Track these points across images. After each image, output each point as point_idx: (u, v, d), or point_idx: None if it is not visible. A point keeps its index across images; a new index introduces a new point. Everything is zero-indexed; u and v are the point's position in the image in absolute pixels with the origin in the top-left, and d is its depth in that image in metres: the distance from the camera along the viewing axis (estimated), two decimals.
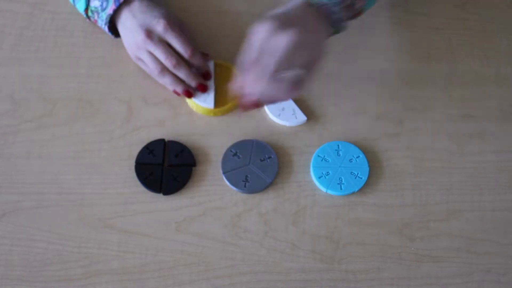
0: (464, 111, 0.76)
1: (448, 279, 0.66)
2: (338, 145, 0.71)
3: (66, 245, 0.67)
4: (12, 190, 0.69)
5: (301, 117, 0.73)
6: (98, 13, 0.72)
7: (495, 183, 0.72)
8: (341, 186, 0.69)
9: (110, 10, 0.71)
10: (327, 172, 0.70)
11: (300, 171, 0.71)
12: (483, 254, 0.68)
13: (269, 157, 0.71)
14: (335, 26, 0.65)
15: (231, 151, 0.71)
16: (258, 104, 0.63)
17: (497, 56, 0.79)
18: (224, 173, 0.70)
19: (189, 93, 0.72)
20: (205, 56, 0.75)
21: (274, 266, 0.66)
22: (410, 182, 0.71)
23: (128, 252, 0.66)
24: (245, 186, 0.69)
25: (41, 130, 0.72)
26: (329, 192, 0.69)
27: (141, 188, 0.69)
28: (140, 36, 0.69)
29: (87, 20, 0.76)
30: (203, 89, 0.72)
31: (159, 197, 0.69)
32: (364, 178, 0.70)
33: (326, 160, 0.71)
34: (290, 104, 0.74)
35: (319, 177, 0.70)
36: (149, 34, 0.69)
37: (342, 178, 0.70)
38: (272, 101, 0.64)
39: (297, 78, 0.59)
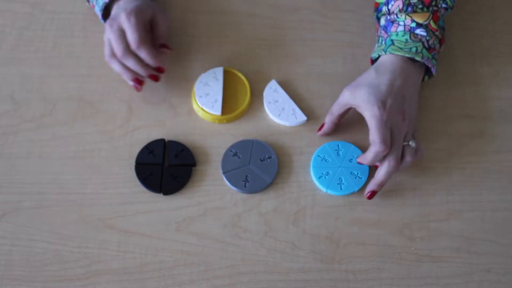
0: (464, 111, 0.76)
1: (448, 279, 0.66)
2: (338, 145, 0.71)
3: (66, 245, 0.67)
4: (12, 190, 0.69)
5: (301, 117, 0.73)
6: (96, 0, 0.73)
7: (495, 183, 0.72)
8: (341, 186, 0.69)
9: None
10: (327, 172, 0.70)
11: (300, 171, 0.71)
12: (483, 254, 0.68)
13: (269, 157, 0.71)
14: (428, 74, 0.72)
15: (231, 151, 0.71)
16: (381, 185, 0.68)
17: (497, 56, 0.79)
18: (224, 173, 0.70)
19: (139, 81, 0.71)
20: (165, 47, 0.73)
21: (274, 266, 0.66)
22: (410, 182, 0.71)
23: (128, 252, 0.66)
24: (245, 186, 0.69)
25: (41, 130, 0.72)
26: (329, 192, 0.69)
27: (141, 188, 0.69)
28: (107, 23, 0.69)
29: (87, 3, 0.76)
30: (154, 78, 0.71)
31: (159, 197, 0.69)
32: (364, 178, 0.70)
33: (326, 160, 0.71)
34: (290, 104, 0.74)
35: (319, 177, 0.70)
36: (111, 22, 0.69)
37: (342, 178, 0.70)
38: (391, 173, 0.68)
39: (415, 148, 0.68)
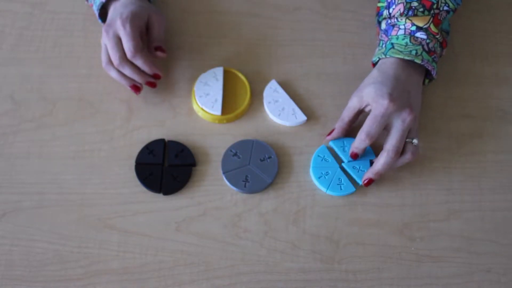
0: (464, 111, 0.76)
1: (448, 279, 0.66)
2: (344, 142, 0.71)
3: (66, 245, 0.67)
4: (12, 190, 0.69)
5: (301, 117, 0.73)
6: None
7: (495, 183, 0.72)
8: (340, 186, 0.69)
9: None
10: (327, 172, 0.70)
11: (300, 171, 0.71)
12: (483, 254, 0.68)
13: (269, 157, 0.71)
14: (428, 77, 0.72)
15: (231, 151, 0.71)
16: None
17: (497, 56, 0.79)
18: (224, 173, 0.70)
19: (137, 88, 0.71)
20: (160, 50, 0.73)
21: (274, 266, 0.66)
22: (410, 182, 0.71)
23: (128, 252, 0.66)
24: (245, 186, 0.69)
25: (41, 130, 0.72)
26: (329, 192, 0.69)
27: (141, 188, 0.69)
28: (103, 29, 0.69)
29: (86, 2, 0.76)
30: (151, 85, 0.72)
31: (159, 197, 0.69)
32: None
33: (326, 160, 0.71)
34: (290, 104, 0.74)
35: (319, 177, 0.70)
36: (107, 28, 0.69)
37: (342, 178, 0.70)
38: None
39: (416, 150, 0.68)
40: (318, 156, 0.71)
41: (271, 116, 0.74)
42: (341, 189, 0.69)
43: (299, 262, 0.67)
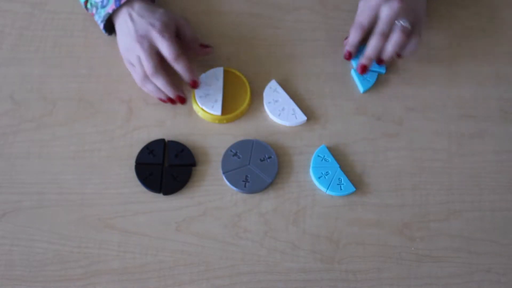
0: (464, 111, 0.76)
1: (448, 279, 0.66)
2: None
3: (66, 245, 0.67)
4: (12, 190, 0.69)
5: (301, 117, 0.73)
6: (97, 8, 0.72)
7: (495, 183, 0.72)
8: (340, 186, 0.69)
9: (109, 9, 0.71)
10: (327, 172, 0.70)
11: (300, 171, 0.71)
12: (483, 254, 0.68)
13: (269, 157, 0.71)
14: None
15: (231, 151, 0.71)
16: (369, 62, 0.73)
17: (497, 56, 0.79)
18: (224, 173, 0.70)
19: (172, 101, 0.72)
20: (206, 48, 0.75)
21: (274, 266, 0.66)
22: (410, 182, 0.71)
23: (128, 252, 0.66)
24: (245, 186, 0.69)
25: (41, 130, 0.72)
26: (329, 192, 0.69)
27: (141, 188, 0.69)
28: (133, 42, 0.69)
29: (86, 10, 0.76)
30: (181, 100, 0.72)
31: (159, 197, 0.69)
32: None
33: (326, 160, 0.71)
34: (290, 104, 0.74)
35: (319, 177, 0.70)
36: (141, 40, 0.68)
37: (342, 178, 0.70)
38: (385, 52, 0.72)
39: (406, 30, 0.70)
40: (318, 156, 0.71)
41: (271, 116, 0.74)
42: (341, 189, 0.69)
43: (299, 262, 0.67)
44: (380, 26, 0.71)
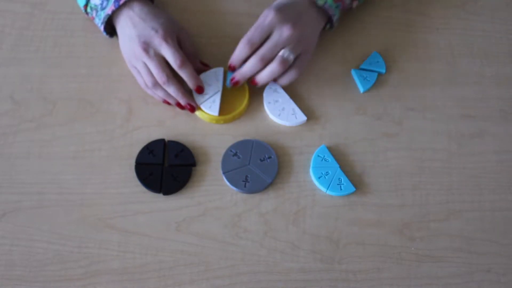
0: (464, 111, 0.76)
1: (448, 279, 0.66)
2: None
3: (66, 245, 0.67)
4: (12, 190, 0.69)
5: (301, 117, 0.73)
6: (97, 11, 0.72)
7: (495, 183, 0.72)
8: (340, 186, 0.69)
9: (109, 10, 0.70)
10: (327, 172, 0.70)
11: (300, 171, 0.71)
12: (483, 254, 0.68)
13: (269, 157, 0.71)
14: (329, 24, 0.74)
15: (231, 151, 0.71)
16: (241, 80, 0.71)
17: (497, 56, 0.79)
18: (224, 173, 0.70)
19: (181, 106, 0.72)
20: (205, 66, 0.75)
21: (274, 266, 0.66)
22: (410, 182, 0.71)
23: (128, 252, 0.66)
24: (245, 186, 0.69)
25: (41, 130, 0.72)
26: (329, 192, 0.69)
27: (141, 188, 0.69)
28: (138, 48, 0.69)
29: (86, 15, 0.76)
30: (191, 109, 0.72)
31: (159, 197, 0.69)
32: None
33: (326, 160, 0.71)
34: (290, 104, 0.74)
35: (319, 177, 0.70)
36: (146, 47, 0.68)
37: (342, 178, 0.70)
38: (261, 78, 0.71)
39: (286, 63, 0.69)
40: (318, 156, 0.71)
41: (271, 116, 0.74)
42: (341, 189, 0.69)
43: (299, 262, 0.67)
44: (263, 50, 0.68)
